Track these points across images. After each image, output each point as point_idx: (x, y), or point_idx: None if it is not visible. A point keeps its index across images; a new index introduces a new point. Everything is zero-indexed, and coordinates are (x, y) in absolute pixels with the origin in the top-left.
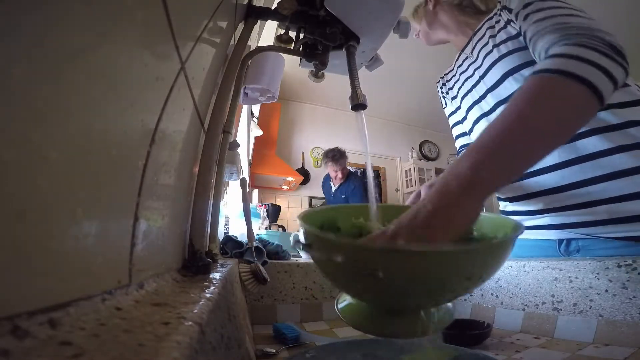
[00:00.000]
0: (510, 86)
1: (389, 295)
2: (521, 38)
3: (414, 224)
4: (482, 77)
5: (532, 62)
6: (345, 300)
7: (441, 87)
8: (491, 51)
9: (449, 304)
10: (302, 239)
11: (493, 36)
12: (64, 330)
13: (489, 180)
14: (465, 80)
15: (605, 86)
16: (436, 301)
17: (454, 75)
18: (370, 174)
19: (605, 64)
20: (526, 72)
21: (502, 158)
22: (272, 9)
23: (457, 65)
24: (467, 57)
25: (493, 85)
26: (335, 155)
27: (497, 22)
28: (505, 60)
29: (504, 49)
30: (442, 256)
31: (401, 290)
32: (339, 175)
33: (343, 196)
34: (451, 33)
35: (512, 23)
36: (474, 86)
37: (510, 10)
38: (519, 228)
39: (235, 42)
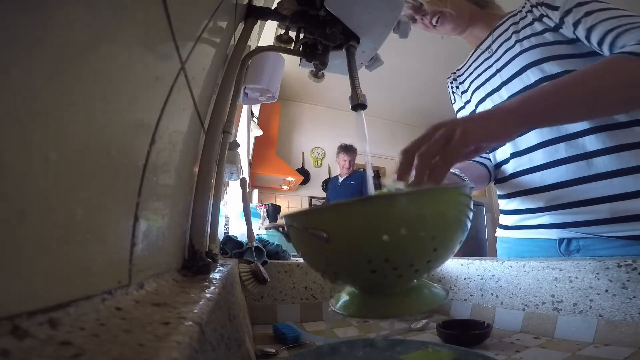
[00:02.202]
0: (527, 79)
1: (352, 258)
2: (546, 34)
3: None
4: (498, 70)
5: (554, 57)
6: (340, 299)
7: (451, 83)
8: (513, 46)
9: (439, 289)
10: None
11: (516, 32)
12: (64, 330)
13: (531, 113)
14: (480, 74)
15: None
16: (405, 262)
17: (467, 70)
18: (370, 174)
19: None
20: (547, 66)
21: (550, 101)
22: (272, 9)
23: (472, 59)
24: (482, 52)
25: (510, 77)
26: (348, 147)
27: (523, 18)
28: (527, 53)
29: (527, 43)
30: (375, 202)
31: (357, 248)
32: (347, 165)
33: (352, 182)
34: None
35: (545, 19)
36: (488, 79)
37: (552, 7)
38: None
39: (235, 42)
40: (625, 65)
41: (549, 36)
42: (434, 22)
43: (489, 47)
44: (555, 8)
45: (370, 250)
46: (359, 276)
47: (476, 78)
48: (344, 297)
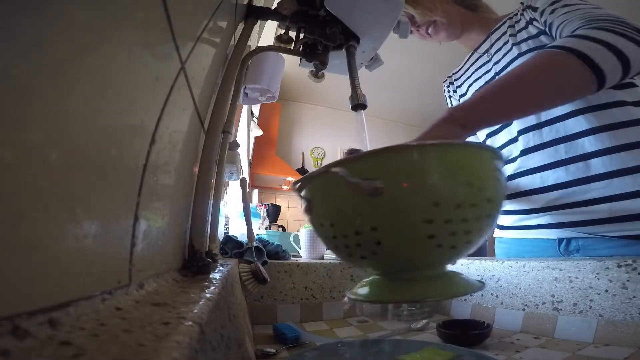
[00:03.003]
0: None
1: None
2: (542, 37)
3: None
4: (497, 73)
5: None
6: (361, 286)
7: (448, 87)
8: (510, 49)
9: (473, 279)
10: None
11: (513, 35)
12: (64, 330)
13: (473, 115)
14: (478, 77)
15: (607, 61)
16: (445, 220)
17: (464, 73)
18: None
19: (616, 43)
20: None
21: (486, 101)
22: (272, 9)
23: (469, 63)
24: (481, 56)
25: None
26: (353, 152)
27: (518, 22)
28: (525, 56)
29: (524, 46)
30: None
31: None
32: None
33: None
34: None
35: (534, 22)
36: (487, 82)
37: (534, 9)
38: None
39: (235, 42)
40: (551, 58)
41: (544, 39)
42: (429, 32)
43: (487, 50)
44: (536, 9)
45: (431, 205)
46: (410, 246)
47: (475, 81)
48: (365, 286)
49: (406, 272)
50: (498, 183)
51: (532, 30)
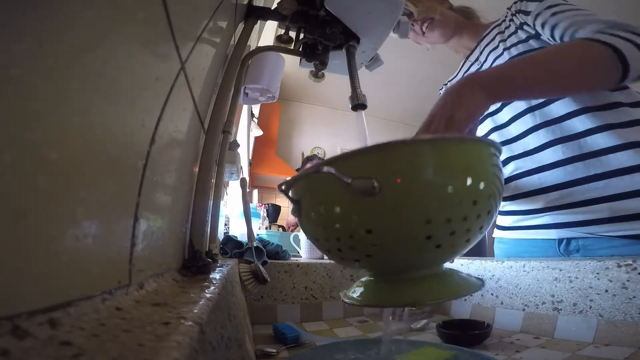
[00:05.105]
0: None
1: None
2: (531, 41)
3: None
4: None
5: None
6: (355, 288)
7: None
8: (501, 54)
9: (473, 277)
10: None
11: (503, 40)
12: (64, 330)
13: (500, 82)
14: None
15: (633, 58)
16: (447, 219)
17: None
18: None
19: (633, 38)
20: None
21: (516, 69)
22: (272, 9)
23: (462, 71)
24: (472, 64)
25: None
26: (310, 159)
27: (507, 27)
28: None
29: (514, 51)
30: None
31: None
32: None
33: None
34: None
35: (525, 27)
36: None
37: (526, 13)
38: None
39: (235, 42)
40: (584, 46)
41: (533, 43)
42: (423, 29)
43: (477, 58)
44: (528, 13)
45: (434, 205)
46: (408, 247)
47: None
48: (359, 287)
49: (402, 273)
50: (497, 178)
51: (522, 35)
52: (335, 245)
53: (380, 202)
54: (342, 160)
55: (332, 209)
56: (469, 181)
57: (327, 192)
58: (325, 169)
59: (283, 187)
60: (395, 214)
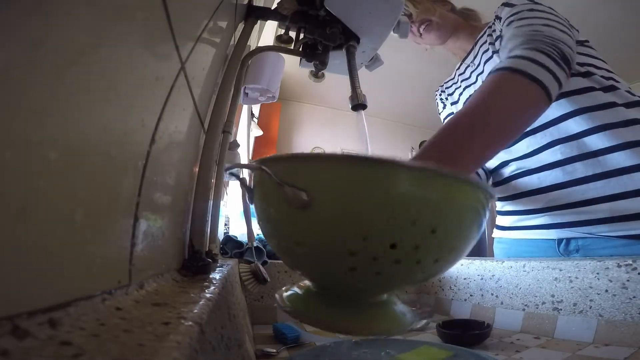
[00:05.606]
0: None
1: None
2: None
3: None
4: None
5: None
6: (290, 290)
7: (440, 94)
8: (491, 57)
9: (407, 311)
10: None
11: (492, 43)
12: (64, 330)
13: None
14: (468, 86)
15: (552, 85)
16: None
17: (455, 82)
18: None
19: (553, 68)
20: None
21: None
22: (272, 9)
23: (458, 73)
24: (468, 66)
25: None
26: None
27: (494, 31)
28: None
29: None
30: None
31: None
32: None
33: None
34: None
35: (502, 32)
36: (476, 90)
37: (500, 19)
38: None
39: (235, 42)
40: (503, 90)
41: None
42: (420, 30)
43: (472, 61)
44: (500, 19)
45: (376, 227)
46: (333, 271)
47: (465, 90)
48: (296, 290)
49: (340, 294)
50: (461, 225)
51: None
52: (273, 243)
53: (309, 217)
54: (273, 162)
55: (266, 207)
56: (411, 222)
57: (264, 187)
58: (264, 168)
59: (229, 170)
60: (319, 235)
